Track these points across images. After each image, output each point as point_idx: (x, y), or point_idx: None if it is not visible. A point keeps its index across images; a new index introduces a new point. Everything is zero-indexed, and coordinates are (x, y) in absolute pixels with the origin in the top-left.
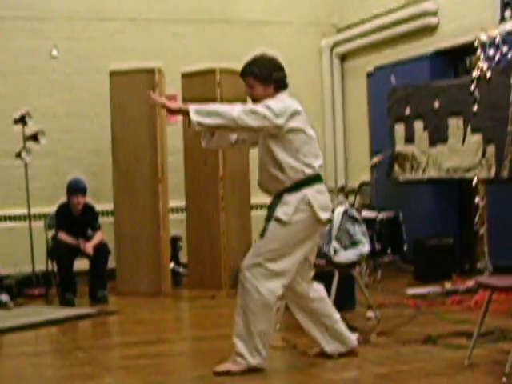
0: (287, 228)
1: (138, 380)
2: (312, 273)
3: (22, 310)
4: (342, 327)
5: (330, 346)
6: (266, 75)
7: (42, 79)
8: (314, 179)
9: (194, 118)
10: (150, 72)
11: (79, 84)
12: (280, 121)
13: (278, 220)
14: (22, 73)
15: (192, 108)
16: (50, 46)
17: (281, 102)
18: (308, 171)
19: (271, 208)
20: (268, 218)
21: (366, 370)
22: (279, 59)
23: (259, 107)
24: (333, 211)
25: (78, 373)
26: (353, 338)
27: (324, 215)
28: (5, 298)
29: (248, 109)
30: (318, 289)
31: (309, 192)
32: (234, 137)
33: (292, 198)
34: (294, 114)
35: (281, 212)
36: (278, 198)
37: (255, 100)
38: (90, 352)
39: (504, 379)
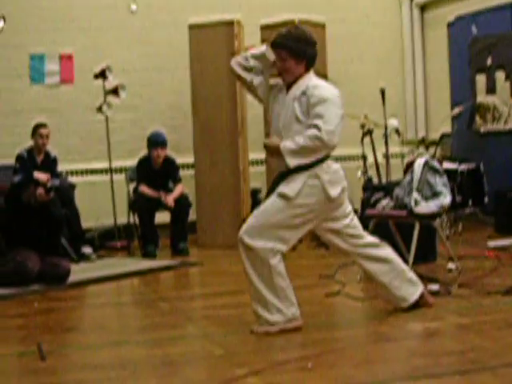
0: (290, 203)
1: (220, 329)
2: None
3: (104, 262)
4: (402, 283)
5: (392, 301)
6: (300, 50)
7: (121, 34)
8: (325, 156)
9: (290, 162)
10: (229, 24)
11: (158, 38)
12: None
13: (283, 195)
14: (101, 28)
15: (285, 152)
16: (128, 0)
17: (331, 90)
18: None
19: (276, 183)
20: (269, 193)
21: (447, 321)
22: (313, 35)
23: (327, 126)
24: (410, 165)
25: (161, 322)
26: (415, 292)
27: (334, 191)
28: (88, 250)
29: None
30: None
31: (318, 169)
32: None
33: (300, 176)
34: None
35: (286, 188)
36: (283, 175)
37: (283, 73)
38: (172, 302)
39: None
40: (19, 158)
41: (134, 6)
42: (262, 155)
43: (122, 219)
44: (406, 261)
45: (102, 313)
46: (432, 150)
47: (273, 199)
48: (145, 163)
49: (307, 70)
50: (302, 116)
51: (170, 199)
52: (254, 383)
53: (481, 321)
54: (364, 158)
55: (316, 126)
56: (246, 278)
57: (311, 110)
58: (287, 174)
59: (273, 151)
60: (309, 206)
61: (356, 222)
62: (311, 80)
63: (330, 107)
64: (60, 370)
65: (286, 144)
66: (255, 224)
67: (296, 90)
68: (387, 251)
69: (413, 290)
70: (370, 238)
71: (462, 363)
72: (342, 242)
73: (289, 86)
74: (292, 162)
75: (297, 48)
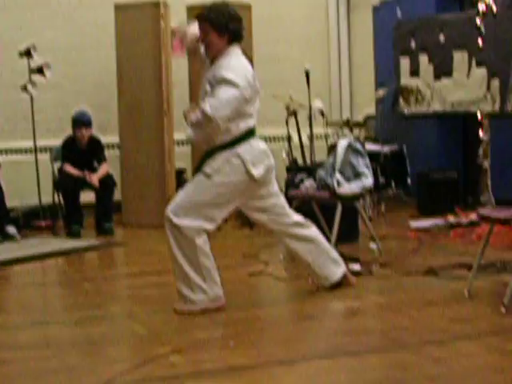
0: (211, 181)
1: (144, 308)
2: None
3: (28, 242)
4: (325, 262)
5: (315, 280)
6: (221, 24)
7: (46, 12)
8: (248, 135)
9: (188, 133)
10: (156, 5)
11: (84, 17)
12: (246, 94)
13: (204, 173)
14: (26, 6)
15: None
16: None
17: (240, 71)
18: (240, 131)
19: (201, 162)
20: (195, 172)
21: (367, 300)
22: (237, 11)
23: (225, 93)
24: (334, 146)
25: (85, 302)
26: (337, 271)
27: (257, 171)
28: (12, 230)
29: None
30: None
31: (241, 148)
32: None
33: (221, 154)
34: (252, 80)
35: (207, 166)
36: (208, 154)
37: (207, 46)
38: (96, 282)
39: (503, 309)
40: None
41: None
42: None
43: (47, 198)
44: (328, 240)
45: (26, 293)
46: (356, 131)
47: (197, 178)
48: (70, 143)
49: (230, 44)
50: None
51: (94, 178)
52: (176, 361)
53: (401, 300)
54: (289, 138)
55: (205, 101)
56: (170, 256)
57: (212, 90)
58: (211, 153)
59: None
60: (231, 184)
61: (283, 201)
62: (226, 59)
63: (223, 86)
64: None
65: (192, 116)
66: (181, 203)
67: (213, 69)
68: (312, 230)
69: (335, 270)
70: (296, 217)
71: (382, 341)
72: (269, 221)
73: (212, 62)
74: (189, 132)
75: (218, 21)
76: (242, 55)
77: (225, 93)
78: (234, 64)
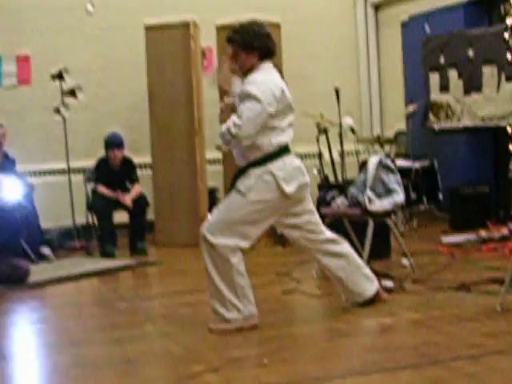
0: (246, 199)
1: (178, 327)
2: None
3: (63, 263)
4: (358, 278)
5: (348, 296)
6: (247, 42)
7: (78, 35)
8: (281, 152)
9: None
10: (185, 25)
11: (115, 39)
12: (271, 109)
13: (238, 191)
14: (58, 29)
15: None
16: (85, 1)
17: (265, 86)
18: (272, 147)
19: (235, 180)
20: (230, 190)
21: (400, 316)
22: (265, 27)
23: (248, 109)
24: (365, 163)
25: (120, 322)
26: (370, 287)
27: (289, 188)
28: (46, 251)
29: (240, 121)
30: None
31: (273, 165)
32: None
33: (254, 171)
34: (280, 94)
35: (240, 183)
36: (241, 171)
37: (240, 67)
38: (130, 302)
39: None
40: None
41: (90, 7)
42: (219, 154)
43: (81, 219)
44: (361, 257)
45: (61, 313)
46: (387, 147)
47: (231, 195)
48: (103, 164)
49: (262, 60)
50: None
51: (127, 199)
52: (211, 380)
53: (433, 316)
54: (320, 156)
55: (230, 120)
56: (206, 275)
57: (239, 105)
58: (244, 170)
59: None
60: (265, 201)
61: (317, 218)
62: (254, 74)
63: (247, 103)
64: (21, 370)
65: (223, 127)
66: (216, 221)
67: (243, 85)
68: (345, 247)
69: (368, 286)
70: (329, 234)
71: (414, 357)
72: (302, 237)
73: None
74: (219, 142)
75: (244, 40)
76: (274, 69)
77: (247, 109)
78: (259, 78)
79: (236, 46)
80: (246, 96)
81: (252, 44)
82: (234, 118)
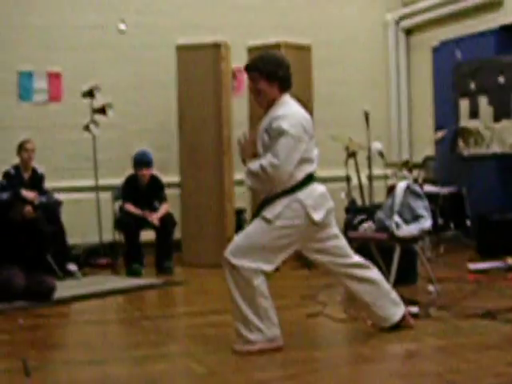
0: (272, 225)
1: (203, 348)
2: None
3: (89, 280)
4: (385, 303)
5: (375, 321)
6: (271, 71)
7: (109, 53)
8: (308, 180)
9: (246, 180)
10: (217, 46)
11: (146, 58)
12: (304, 144)
13: (264, 218)
14: (90, 47)
15: (245, 171)
16: (117, 19)
17: (296, 120)
18: (300, 177)
19: (260, 208)
20: (254, 217)
21: (425, 342)
22: (286, 58)
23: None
24: (393, 187)
25: (144, 340)
26: (397, 312)
27: (318, 216)
28: (73, 267)
29: (278, 160)
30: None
31: (301, 194)
32: None
33: (281, 200)
34: (309, 127)
35: (267, 211)
36: (268, 201)
37: (258, 97)
38: (155, 321)
39: None
40: (6, 174)
41: (122, 26)
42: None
43: (108, 237)
44: (387, 282)
45: (86, 330)
46: (415, 172)
47: (257, 222)
48: (131, 182)
49: (282, 92)
50: (267, 148)
51: (155, 218)
52: None
53: (458, 343)
54: (348, 179)
55: (266, 158)
56: (230, 297)
57: (270, 142)
58: (271, 199)
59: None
60: (292, 228)
61: (343, 242)
62: (280, 108)
63: (282, 140)
64: None
65: (249, 164)
66: (240, 244)
67: (267, 119)
68: (373, 271)
69: (395, 311)
70: (356, 259)
71: None
72: (328, 262)
73: (265, 112)
74: (247, 181)
75: (266, 69)
76: (295, 102)
77: (284, 147)
78: (289, 113)
79: (258, 74)
80: (280, 133)
81: (276, 73)
82: (269, 157)
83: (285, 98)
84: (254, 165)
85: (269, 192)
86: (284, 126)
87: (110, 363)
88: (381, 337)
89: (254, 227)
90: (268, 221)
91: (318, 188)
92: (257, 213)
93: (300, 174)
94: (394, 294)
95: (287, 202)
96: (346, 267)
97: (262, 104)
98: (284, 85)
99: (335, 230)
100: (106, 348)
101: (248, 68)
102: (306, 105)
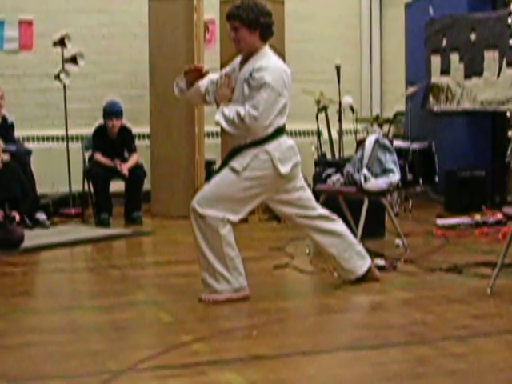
0: (239, 176)
1: (169, 297)
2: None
3: (58, 229)
4: (350, 255)
5: (340, 273)
6: (252, 20)
7: (82, 2)
8: (278, 133)
9: (217, 116)
10: None
11: (118, 7)
12: (285, 99)
13: (232, 168)
14: None
15: (221, 110)
16: None
17: (277, 74)
18: (271, 130)
19: (228, 158)
20: (221, 167)
21: (390, 295)
22: (266, 6)
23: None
24: (362, 141)
25: (111, 289)
26: (363, 265)
27: (284, 169)
28: (42, 216)
29: (257, 112)
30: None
31: (270, 145)
32: (203, 89)
33: (250, 151)
34: (288, 80)
35: (236, 162)
36: (237, 150)
37: (238, 44)
38: (123, 270)
39: None
40: None
41: None
42: (217, 127)
43: (77, 187)
44: (354, 235)
45: (54, 278)
46: (386, 127)
47: (224, 172)
48: (101, 132)
49: (263, 41)
50: (247, 98)
51: (124, 168)
52: (199, 349)
53: (423, 296)
54: (318, 133)
55: (244, 108)
56: (196, 246)
57: (250, 93)
58: (239, 149)
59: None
60: (258, 179)
61: (309, 194)
62: (262, 59)
63: (263, 93)
64: (10, 333)
65: (224, 108)
66: (207, 194)
67: (247, 69)
68: (338, 224)
69: (361, 263)
70: (321, 211)
71: (403, 336)
72: (294, 214)
73: (244, 61)
74: (218, 116)
75: (248, 17)
76: (276, 56)
77: (264, 101)
78: (271, 65)
79: (238, 22)
80: (262, 84)
81: (258, 21)
82: (248, 108)
83: (266, 49)
84: (230, 111)
85: (238, 141)
86: (267, 79)
87: (77, 311)
88: (347, 288)
89: (221, 177)
90: (236, 171)
91: (286, 141)
92: (225, 162)
93: (272, 127)
94: (359, 247)
95: (256, 153)
96: (311, 219)
97: (242, 51)
98: (266, 32)
99: (301, 182)
100: (74, 296)
101: (229, 16)
102: (283, 57)
